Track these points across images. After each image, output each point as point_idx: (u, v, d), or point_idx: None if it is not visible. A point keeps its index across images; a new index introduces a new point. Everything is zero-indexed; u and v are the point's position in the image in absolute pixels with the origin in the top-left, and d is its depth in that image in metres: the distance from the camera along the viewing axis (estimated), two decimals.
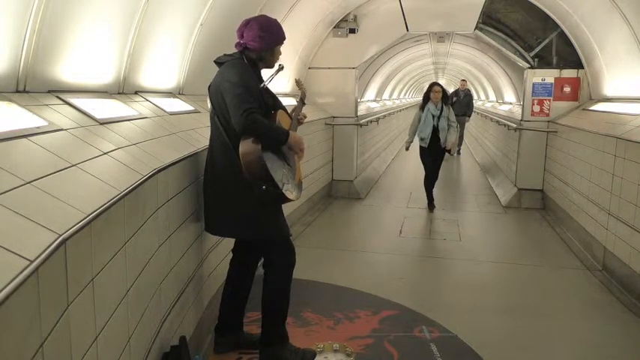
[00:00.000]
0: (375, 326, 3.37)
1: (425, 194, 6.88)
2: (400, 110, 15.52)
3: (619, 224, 4.19)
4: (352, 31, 7.06)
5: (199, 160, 2.85)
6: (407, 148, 6.94)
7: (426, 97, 6.58)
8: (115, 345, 1.75)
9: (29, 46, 2.07)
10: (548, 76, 6.68)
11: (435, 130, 6.46)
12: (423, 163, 6.78)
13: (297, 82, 3.08)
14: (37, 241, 1.23)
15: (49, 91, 2.28)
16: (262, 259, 2.88)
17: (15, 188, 1.36)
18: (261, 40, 2.61)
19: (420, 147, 6.66)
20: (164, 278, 2.34)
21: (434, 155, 6.65)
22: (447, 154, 6.86)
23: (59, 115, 2.09)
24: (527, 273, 4.54)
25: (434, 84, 6.63)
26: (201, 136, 3.09)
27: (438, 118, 6.45)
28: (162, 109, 3.17)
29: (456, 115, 6.80)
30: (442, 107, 6.48)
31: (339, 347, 3.02)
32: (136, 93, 3.16)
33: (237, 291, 2.96)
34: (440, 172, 6.90)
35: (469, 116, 11.68)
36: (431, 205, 6.81)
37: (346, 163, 7.57)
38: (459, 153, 12.12)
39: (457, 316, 3.55)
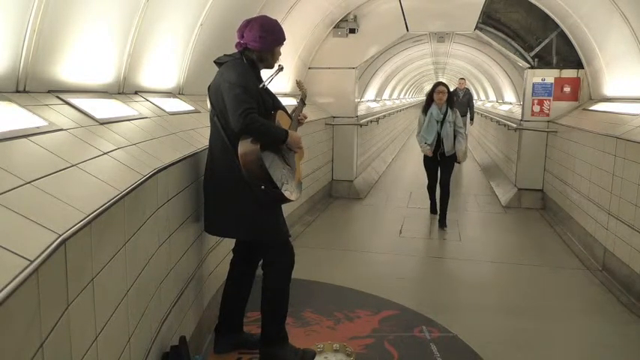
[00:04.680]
0: (375, 326, 3.37)
1: (427, 198, 6.40)
2: (400, 110, 15.53)
3: (619, 224, 4.19)
4: (352, 31, 7.05)
5: (199, 160, 2.85)
6: (431, 153, 5.79)
7: (430, 99, 5.80)
8: (115, 345, 1.75)
9: (29, 46, 2.07)
10: (548, 76, 6.68)
11: (439, 137, 5.69)
12: (425, 168, 6.07)
13: (298, 84, 3.08)
14: (37, 241, 1.23)
15: (49, 91, 2.28)
16: (262, 260, 2.88)
17: (15, 188, 1.36)
18: (262, 40, 2.61)
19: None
20: (164, 278, 2.34)
21: (440, 165, 5.86)
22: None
23: (59, 115, 2.09)
24: (527, 273, 4.54)
25: (438, 84, 5.82)
26: (201, 136, 3.09)
27: (442, 123, 5.67)
28: (163, 109, 3.17)
29: None
30: (447, 111, 5.68)
31: (339, 347, 3.02)
32: (136, 93, 3.16)
33: (238, 291, 2.95)
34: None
35: (471, 119, 11.10)
36: (434, 209, 6.30)
37: (346, 163, 7.57)
38: None
39: (457, 316, 3.55)
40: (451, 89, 6.12)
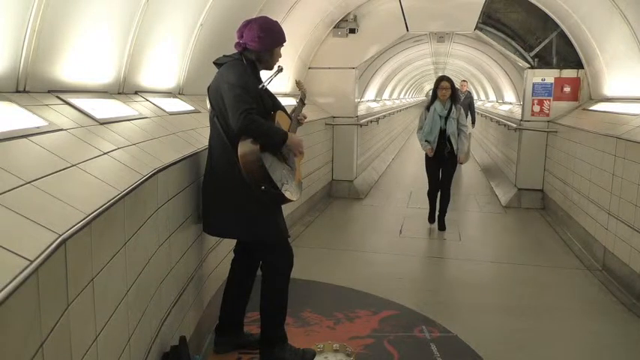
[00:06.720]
0: (375, 326, 3.37)
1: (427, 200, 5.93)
2: (400, 110, 15.52)
3: (619, 224, 4.19)
4: (352, 31, 7.05)
5: (199, 160, 2.85)
6: (433, 152, 5.48)
7: (434, 94, 5.50)
8: (115, 345, 1.75)
9: (29, 46, 2.07)
10: (548, 76, 6.68)
11: (443, 135, 5.41)
12: (427, 172, 5.72)
13: (298, 84, 3.08)
14: (37, 241, 1.23)
15: (49, 91, 2.28)
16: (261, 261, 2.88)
17: (15, 188, 1.36)
18: (261, 40, 2.61)
19: (426, 153, 5.57)
20: (164, 278, 2.34)
21: (442, 165, 5.56)
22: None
23: (59, 115, 2.09)
24: (527, 273, 4.54)
25: (442, 78, 5.48)
26: (201, 136, 3.09)
27: (446, 119, 5.38)
28: (163, 109, 3.17)
29: None
30: (451, 107, 5.41)
31: (339, 347, 3.02)
32: (136, 93, 3.16)
33: (238, 291, 2.96)
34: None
35: (473, 122, 10.56)
36: (432, 218, 5.89)
37: (346, 163, 7.57)
38: None
39: (457, 316, 3.55)
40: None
